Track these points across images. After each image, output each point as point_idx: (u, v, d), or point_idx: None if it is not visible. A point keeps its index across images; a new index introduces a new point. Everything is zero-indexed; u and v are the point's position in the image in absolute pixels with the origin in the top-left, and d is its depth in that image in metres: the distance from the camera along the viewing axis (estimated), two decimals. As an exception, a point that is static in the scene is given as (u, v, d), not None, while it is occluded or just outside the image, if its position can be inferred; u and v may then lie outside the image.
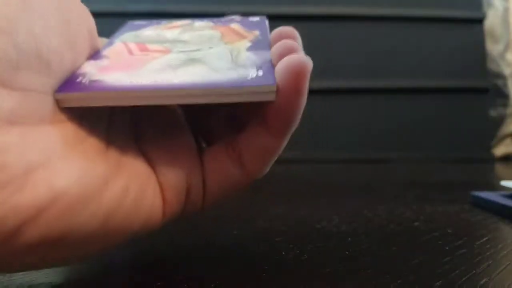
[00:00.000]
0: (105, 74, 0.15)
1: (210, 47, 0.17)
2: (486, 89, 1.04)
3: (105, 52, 0.17)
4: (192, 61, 0.16)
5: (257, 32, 0.19)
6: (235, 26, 0.20)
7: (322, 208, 0.31)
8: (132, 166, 0.15)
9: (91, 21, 0.16)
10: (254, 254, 0.19)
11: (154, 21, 0.21)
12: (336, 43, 1.02)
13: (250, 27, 0.20)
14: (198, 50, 0.17)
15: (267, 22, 0.21)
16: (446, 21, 1.04)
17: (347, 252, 0.19)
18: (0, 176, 0.11)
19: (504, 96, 1.10)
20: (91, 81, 0.14)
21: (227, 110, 0.19)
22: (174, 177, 0.15)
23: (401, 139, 1.02)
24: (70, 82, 0.14)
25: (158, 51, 0.17)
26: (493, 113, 1.10)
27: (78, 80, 0.14)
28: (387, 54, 1.04)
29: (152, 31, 0.20)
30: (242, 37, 0.19)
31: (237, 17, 0.22)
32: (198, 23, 0.21)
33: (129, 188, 0.14)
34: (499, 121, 1.10)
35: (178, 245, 0.21)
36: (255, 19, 0.22)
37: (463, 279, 0.16)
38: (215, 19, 0.22)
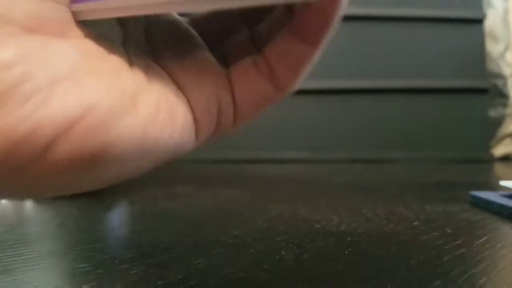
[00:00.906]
0: None
1: None
2: (486, 89, 1.04)
3: None
4: None
5: None
6: None
7: (322, 208, 0.31)
8: (160, 84, 0.14)
9: None
10: (254, 254, 0.19)
11: None
12: (336, 43, 1.02)
13: None
14: None
15: None
16: (446, 21, 1.04)
17: (346, 252, 0.19)
18: (25, 86, 0.10)
19: (504, 96, 1.10)
20: None
21: (246, 32, 0.18)
22: (203, 96, 0.15)
23: (401, 139, 1.02)
24: None
25: None
26: (492, 113, 1.10)
27: None
28: (387, 54, 1.04)
29: None
30: None
31: None
32: None
33: (160, 105, 0.13)
34: (499, 121, 1.10)
35: (178, 245, 0.21)
36: None
37: (462, 278, 0.16)
38: None
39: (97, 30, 0.13)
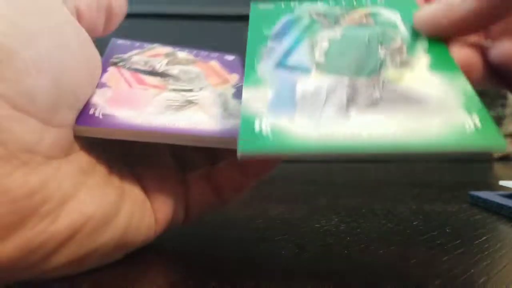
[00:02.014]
0: (115, 109, 0.17)
1: (200, 88, 0.20)
2: (485, 89, 1.04)
3: (104, 79, 0.18)
4: (188, 102, 0.18)
5: (236, 76, 0.22)
6: (214, 64, 0.23)
7: (322, 208, 0.31)
8: (133, 194, 0.17)
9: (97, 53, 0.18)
10: (254, 254, 0.19)
11: (136, 43, 0.23)
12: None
13: (229, 67, 0.23)
14: (190, 90, 0.19)
15: (241, 62, 0.24)
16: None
17: (346, 252, 0.19)
18: (43, 208, 0.13)
19: (503, 96, 1.10)
20: (104, 115, 0.16)
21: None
22: (164, 205, 0.18)
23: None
24: (84, 114, 0.16)
25: (155, 86, 0.19)
26: (492, 113, 1.10)
27: (91, 112, 0.16)
28: (386, 54, 1.04)
29: (139, 56, 0.22)
30: (225, 80, 0.21)
31: (213, 53, 0.25)
32: (180, 54, 0.23)
33: (134, 213, 0.16)
34: (498, 121, 1.10)
35: (177, 245, 0.21)
36: (230, 58, 0.25)
37: (462, 278, 0.16)
38: (195, 51, 0.24)
39: (90, 140, 0.16)
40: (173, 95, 0.19)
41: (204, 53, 0.24)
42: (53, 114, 0.13)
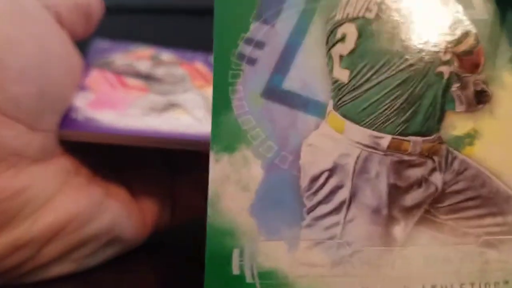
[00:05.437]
0: (98, 112, 0.16)
1: (185, 90, 0.19)
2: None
3: (87, 82, 0.18)
4: (172, 106, 0.18)
5: None
6: (199, 66, 0.22)
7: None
8: (118, 194, 0.17)
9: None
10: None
11: (120, 44, 0.23)
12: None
13: None
14: (174, 92, 0.19)
15: None
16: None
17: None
18: (27, 207, 0.14)
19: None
20: (87, 119, 0.16)
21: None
22: (151, 207, 0.18)
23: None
24: (67, 118, 0.16)
25: (138, 88, 0.19)
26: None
27: (73, 116, 0.16)
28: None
29: (123, 59, 0.21)
30: (210, 82, 0.20)
31: (198, 54, 0.24)
32: (165, 55, 0.23)
33: (120, 210, 0.16)
34: None
35: (178, 245, 0.21)
36: None
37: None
38: (179, 52, 0.23)
39: (72, 144, 0.16)
40: (156, 98, 0.18)
41: (189, 54, 0.23)
42: (39, 120, 0.14)
